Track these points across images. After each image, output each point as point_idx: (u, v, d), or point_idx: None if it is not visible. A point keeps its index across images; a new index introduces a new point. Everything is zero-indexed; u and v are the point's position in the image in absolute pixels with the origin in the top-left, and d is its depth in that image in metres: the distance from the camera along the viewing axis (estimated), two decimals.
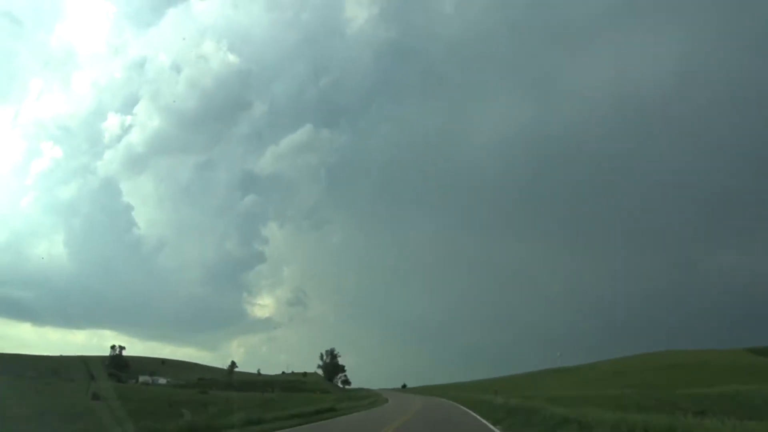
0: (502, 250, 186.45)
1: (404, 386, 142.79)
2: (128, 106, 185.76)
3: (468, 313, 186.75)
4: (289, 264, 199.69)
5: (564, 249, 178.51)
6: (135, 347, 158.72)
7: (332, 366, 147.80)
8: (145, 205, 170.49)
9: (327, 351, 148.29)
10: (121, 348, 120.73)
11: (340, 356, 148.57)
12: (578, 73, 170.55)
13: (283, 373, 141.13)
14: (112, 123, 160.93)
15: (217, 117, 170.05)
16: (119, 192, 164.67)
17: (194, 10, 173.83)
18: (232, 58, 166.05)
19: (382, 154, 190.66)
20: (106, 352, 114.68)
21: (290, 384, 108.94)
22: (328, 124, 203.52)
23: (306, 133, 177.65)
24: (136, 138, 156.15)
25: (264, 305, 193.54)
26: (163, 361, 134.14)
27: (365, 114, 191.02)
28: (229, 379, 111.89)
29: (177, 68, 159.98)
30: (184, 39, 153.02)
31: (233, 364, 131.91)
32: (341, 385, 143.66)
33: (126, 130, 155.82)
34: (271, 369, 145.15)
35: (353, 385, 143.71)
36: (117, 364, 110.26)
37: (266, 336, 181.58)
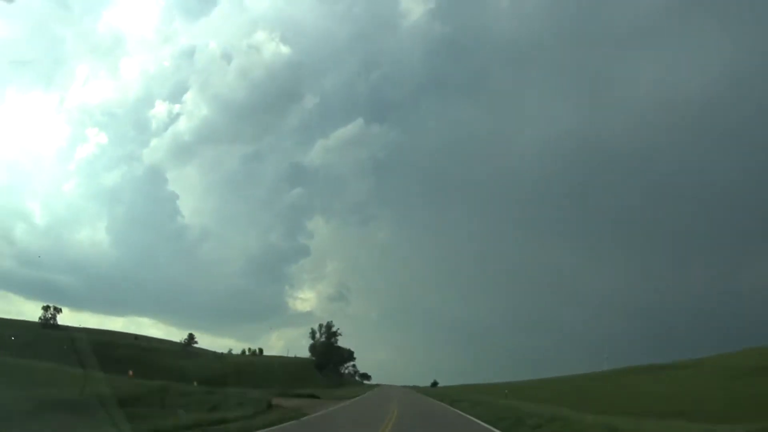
0: (547, 252, 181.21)
1: (435, 384, 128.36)
2: (177, 94, 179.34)
3: (511, 315, 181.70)
4: (332, 259, 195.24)
5: (611, 252, 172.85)
6: (173, 335, 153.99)
7: (327, 348, 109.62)
8: (191, 194, 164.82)
9: (323, 325, 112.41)
10: None
11: (340, 335, 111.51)
12: (629, 74, 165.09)
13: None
14: (159, 111, 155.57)
15: (267, 108, 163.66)
16: (164, 180, 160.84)
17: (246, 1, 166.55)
18: (284, 49, 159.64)
19: (430, 152, 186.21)
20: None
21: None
22: (378, 119, 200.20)
23: (356, 127, 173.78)
24: (183, 127, 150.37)
25: (305, 299, 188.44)
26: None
27: (415, 111, 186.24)
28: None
29: (227, 58, 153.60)
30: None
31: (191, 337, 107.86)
32: (353, 378, 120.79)
33: (173, 118, 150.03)
34: None
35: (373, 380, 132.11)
36: None
37: (306, 330, 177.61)
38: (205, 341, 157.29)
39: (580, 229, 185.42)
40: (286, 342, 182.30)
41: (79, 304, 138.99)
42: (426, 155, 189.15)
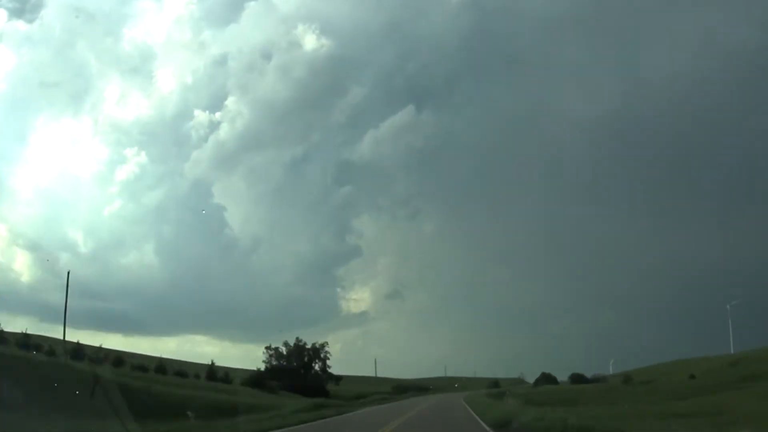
0: (605, 228, 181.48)
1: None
2: (216, 102, 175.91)
3: (580, 296, 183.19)
4: (385, 255, 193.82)
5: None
6: (228, 351, 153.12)
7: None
8: (238, 204, 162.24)
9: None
10: None
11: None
12: (667, 47, 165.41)
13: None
14: (198, 121, 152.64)
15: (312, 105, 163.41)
16: (210, 193, 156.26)
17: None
18: (324, 41, 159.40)
19: (472, 137, 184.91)
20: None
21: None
22: (418, 109, 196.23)
23: (400, 118, 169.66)
24: (224, 135, 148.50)
25: (359, 299, 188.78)
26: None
27: (452, 97, 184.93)
28: None
29: (266, 57, 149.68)
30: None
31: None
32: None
33: (213, 127, 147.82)
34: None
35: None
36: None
37: (361, 330, 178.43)
38: (259, 352, 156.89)
39: (641, 202, 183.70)
40: (343, 345, 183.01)
41: (131, 329, 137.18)
42: (468, 141, 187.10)
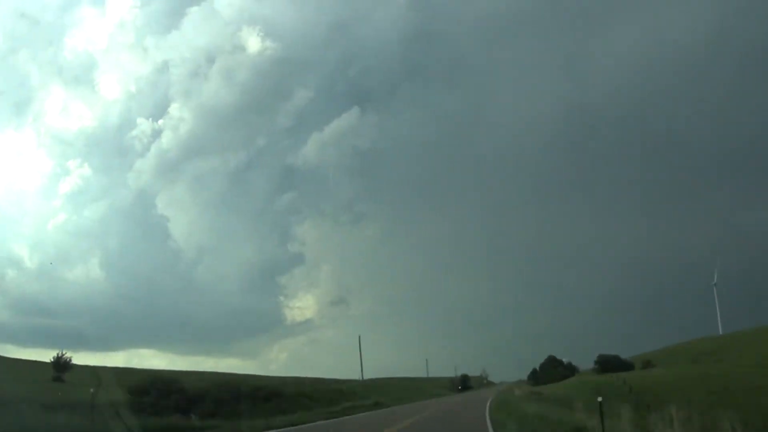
0: (546, 228, 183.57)
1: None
2: (159, 109, 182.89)
3: (525, 297, 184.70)
4: (328, 262, 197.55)
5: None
6: (175, 363, 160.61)
7: None
8: (181, 214, 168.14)
9: None
10: None
11: None
12: (610, 43, 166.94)
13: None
14: (141, 130, 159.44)
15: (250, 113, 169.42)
16: (153, 204, 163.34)
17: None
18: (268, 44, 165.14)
19: (414, 140, 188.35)
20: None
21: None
22: (362, 112, 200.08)
23: (344, 122, 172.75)
24: (167, 143, 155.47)
25: (304, 307, 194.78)
26: None
27: (394, 101, 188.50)
28: None
29: (210, 61, 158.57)
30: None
31: None
32: None
33: (156, 135, 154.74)
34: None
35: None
36: None
37: (307, 338, 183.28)
38: (209, 364, 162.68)
39: (586, 200, 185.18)
40: (289, 353, 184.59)
41: (79, 344, 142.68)
42: (408, 145, 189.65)
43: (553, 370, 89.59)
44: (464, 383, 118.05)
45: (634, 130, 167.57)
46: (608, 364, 73.72)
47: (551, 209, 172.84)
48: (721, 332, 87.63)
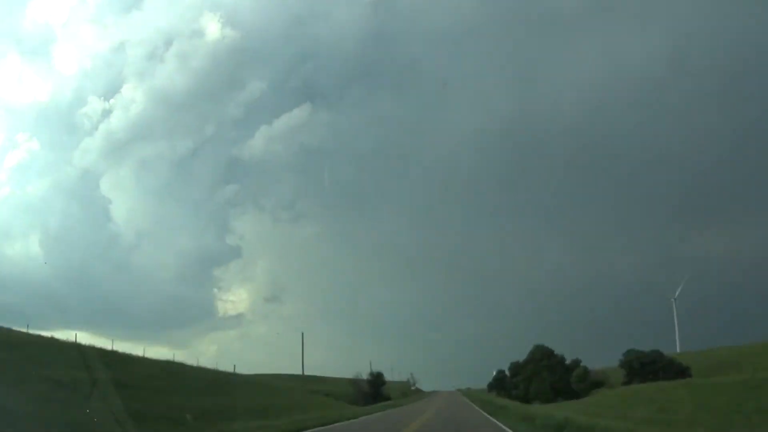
0: (481, 242, 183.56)
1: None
2: (111, 89, 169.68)
3: (454, 306, 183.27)
4: (265, 258, 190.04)
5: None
6: (107, 349, 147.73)
7: None
8: (124, 197, 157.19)
9: None
10: None
11: None
12: (565, 62, 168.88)
13: None
14: (91, 108, 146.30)
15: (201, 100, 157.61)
16: (97, 185, 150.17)
17: None
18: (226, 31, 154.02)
19: (358, 143, 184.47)
20: None
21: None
22: (309, 110, 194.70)
23: (290, 118, 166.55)
24: (116, 124, 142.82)
25: (237, 301, 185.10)
26: None
27: (342, 101, 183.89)
28: None
29: (167, 44, 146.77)
30: None
31: None
32: None
33: (105, 114, 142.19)
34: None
35: None
36: None
37: (238, 333, 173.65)
38: (139, 351, 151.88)
39: (517, 215, 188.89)
40: (220, 346, 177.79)
41: (10, 322, 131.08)
42: (353, 148, 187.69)
43: (540, 374, 69.07)
44: (375, 388, 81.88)
45: (579, 148, 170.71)
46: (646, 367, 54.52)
47: (483, 224, 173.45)
48: (678, 350, 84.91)
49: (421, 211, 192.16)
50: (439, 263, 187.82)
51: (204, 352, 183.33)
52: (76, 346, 28.58)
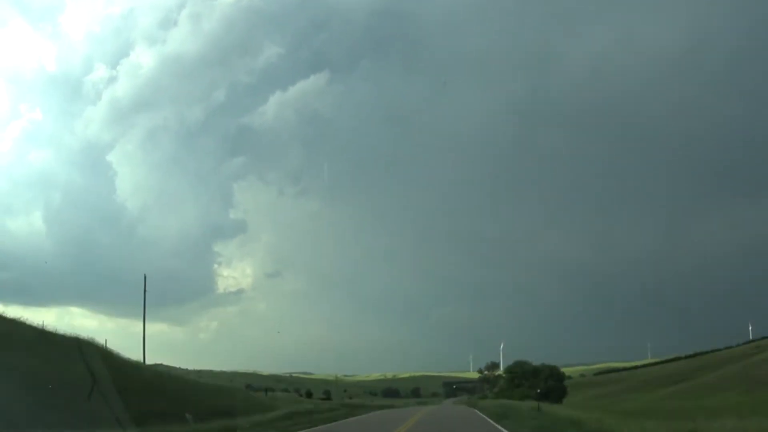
0: (486, 222, 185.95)
1: None
2: (118, 55, 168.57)
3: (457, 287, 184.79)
4: (268, 234, 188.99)
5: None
6: (105, 325, 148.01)
7: None
8: (130, 169, 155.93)
9: None
10: None
11: None
12: (577, 43, 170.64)
13: None
14: (98, 75, 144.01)
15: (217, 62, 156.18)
16: (102, 155, 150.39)
17: None
18: None
19: (366, 118, 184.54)
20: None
21: None
22: (315, 87, 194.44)
23: (292, 93, 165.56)
24: (122, 91, 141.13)
25: (237, 277, 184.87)
26: None
27: (350, 76, 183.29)
28: None
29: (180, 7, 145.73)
30: None
31: None
32: None
33: (111, 81, 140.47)
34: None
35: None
36: None
37: (239, 308, 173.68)
38: (138, 328, 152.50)
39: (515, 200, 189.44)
40: (220, 323, 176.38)
41: (12, 299, 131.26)
42: (357, 124, 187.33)
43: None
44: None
45: (582, 135, 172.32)
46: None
47: (486, 205, 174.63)
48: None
49: (424, 193, 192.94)
50: (439, 247, 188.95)
51: (205, 328, 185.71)
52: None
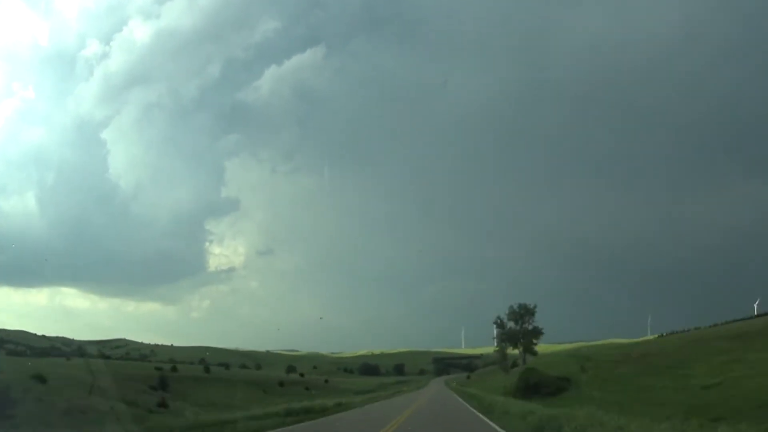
0: (475, 195, 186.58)
1: None
2: (111, 31, 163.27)
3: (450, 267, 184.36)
4: (261, 212, 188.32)
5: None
6: (97, 306, 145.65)
7: None
8: (123, 146, 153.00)
9: None
10: None
11: None
12: (573, 23, 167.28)
13: None
14: (91, 51, 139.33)
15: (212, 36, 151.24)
16: (95, 131, 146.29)
17: None
18: None
19: (358, 95, 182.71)
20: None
21: None
22: (311, 62, 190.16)
23: (288, 67, 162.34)
24: (115, 67, 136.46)
25: (228, 255, 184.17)
26: None
27: (342, 54, 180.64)
28: None
29: None
30: None
31: None
32: None
33: (104, 57, 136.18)
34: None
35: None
36: None
37: (230, 287, 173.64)
38: (130, 307, 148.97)
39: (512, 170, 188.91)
40: (212, 301, 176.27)
41: (3, 280, 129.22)
42: (355, 97, 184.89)
43: None
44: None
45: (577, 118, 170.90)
46: None
47: (478, 183, 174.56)
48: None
49: (417, 170, 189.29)
50: (435, 220, 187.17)
51: (197, 307, 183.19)
52: None
